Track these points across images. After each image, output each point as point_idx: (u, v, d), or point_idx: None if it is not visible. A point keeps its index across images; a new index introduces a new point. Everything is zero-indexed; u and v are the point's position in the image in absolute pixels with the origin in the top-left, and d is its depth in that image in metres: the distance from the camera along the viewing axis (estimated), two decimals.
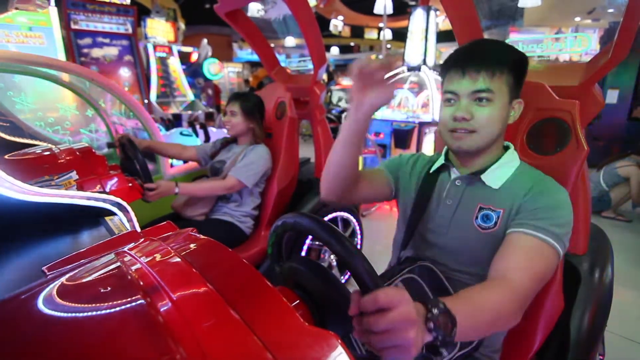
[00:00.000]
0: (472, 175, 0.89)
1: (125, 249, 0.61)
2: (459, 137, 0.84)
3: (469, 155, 0.89)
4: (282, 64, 2.26)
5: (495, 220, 0.84)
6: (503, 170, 0.87)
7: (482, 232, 0.85)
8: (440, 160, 0.97)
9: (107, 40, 5.46)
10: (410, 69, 3.96)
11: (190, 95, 6.62)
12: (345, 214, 2.10)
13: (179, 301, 0.44)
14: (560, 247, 0.76)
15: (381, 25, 8.09)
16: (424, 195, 0.96)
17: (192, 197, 1.75)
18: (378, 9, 7.47)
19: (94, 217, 1.03)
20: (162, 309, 0.43)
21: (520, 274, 0.71)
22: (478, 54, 0.83)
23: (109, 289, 0.51)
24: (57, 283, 0.53)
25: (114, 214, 1.05)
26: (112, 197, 1.06)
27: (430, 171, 0.98)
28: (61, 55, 4.41)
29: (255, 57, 11.44)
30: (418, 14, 3.89)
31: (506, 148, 0.92)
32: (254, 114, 1.82)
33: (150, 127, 2.24)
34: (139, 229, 0.99)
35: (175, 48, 6.65)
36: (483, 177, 0.87)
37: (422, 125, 3.62)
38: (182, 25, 7.32)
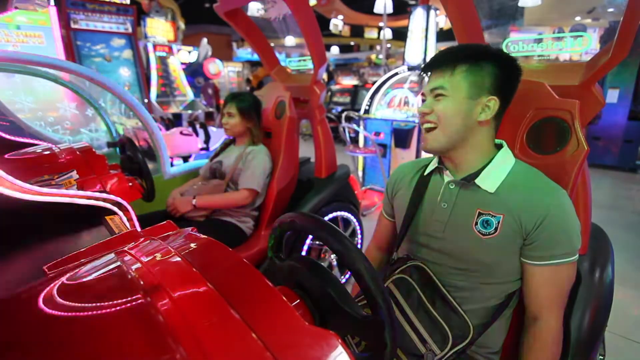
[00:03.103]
0: (465, 180, 0.89)
1: (126, 249, 0.61)
2: (425, 139, 0.90)
3: (444, 156, 0.93)
4: (282, 63, 2.25)
5: (495, 225, 0.84)
6: (497, 172, 0.88)
7: (482, 237, 0.85)
8: (435, 163, 0.98)
9: (106, 41, 5.45)
10: (410, 68, 3.96)
11: (190, 95, 6.62)
12: (346, 214, 2.10)
13: (179, 301, 0.44)
14: (578, 253, 0.83)
15: (381, 24, 8.09)
16: (417, 197, 0.98)
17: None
18: (378, 8, 7.48)
19: (94, 216, 1.03)
20: (162, 309, 0.43)
21: (555, 311, 0.84)
22: (437, 57, 0.90)
23: (110, 288, 0.51)
24: (58, 282, 0.53)
25: (114, 213, 1.05)
26: (112, 197, 1.06)
27: (425, 173, 0.99)
28: (60, 55, 4.41)
29: (255, 57, 11.45)
30: (418, 13, 3.89)
31: (499, 147, 0.92)
32: (250, 114, 1.83)
33: (150, 127, 2.24)
34: (139, 229, 0.99)
35: (175, 47, 6.65)
36: (477, 181, 0.88)
37: None
38: (181, 25, 7.32)
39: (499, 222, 0.84)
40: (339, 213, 2.06)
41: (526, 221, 0.82)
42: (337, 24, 12.14)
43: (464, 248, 0.88)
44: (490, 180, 0.87)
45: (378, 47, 15.08)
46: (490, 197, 0.86)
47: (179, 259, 0.53)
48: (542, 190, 0.84)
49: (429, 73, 0.91)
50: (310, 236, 1.89)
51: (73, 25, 5.10)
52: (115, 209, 1.05)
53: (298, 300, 0.59)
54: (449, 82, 0.85)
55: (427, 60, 0.94)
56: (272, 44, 2.19)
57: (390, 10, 7.31)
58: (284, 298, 0.45)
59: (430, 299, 0.88)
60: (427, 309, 0.86)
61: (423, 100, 0.92)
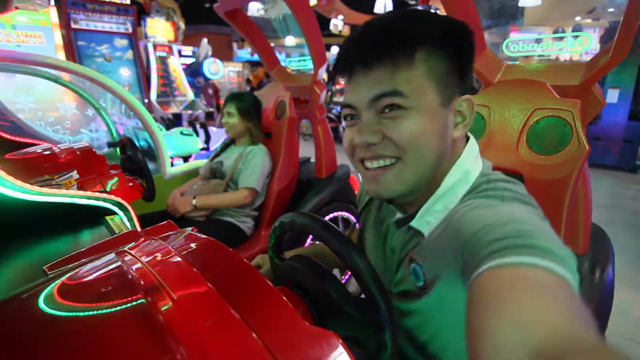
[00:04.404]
0: (401, 221, 0.64)
1: (126, 249, 0.61)
2: (375, 178, 0.56)
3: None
4: (282, 63, 2.25)
5: (422, 277, 0.57)
6: (440, 205, 0.57)
7: (421, 294, 0.58)
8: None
9: (106, 41, 5.46)
10: None
11: (190, 95, 6.62)
12: (346, 214, 2.10)
13: (180, 301, 0.44)
14: (565, 261, 0.38)
15: None
16: (364, 223, 0.79)
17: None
18: (378, 8, 7.49)
19: (94, 216, 1.03)
20: (162, 309, 0.43)
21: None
22: (367, 39, 0.52)
23: (110, 288, 0.51)
24: (58, 282, 0.53)
25: (114, 213, 1.05)
26: (112, 197, 1.06)
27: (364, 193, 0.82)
28: (60, 55, 4.42)
29: (255, 57, 11.46)
30: None
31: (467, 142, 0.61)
32: (250, 114, 1.83)
33: (150, 127, 2.24)
34: (139, 229, 0.99)
35: (175, 47, 6.66)
36: (413, 223, 0.60)
37: None
38: (182, 25, 7.33)
39: (423, 273, 0.57)
40: (339, 213, 2.06)
41: (451, 252, 0.49)
42: (337, 24, 12.13)
43: (414, 310, 0.61)
44: (427, 218, 0.58)
45: None
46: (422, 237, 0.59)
47: (179, 259, 0.53)
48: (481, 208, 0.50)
49: (354, 68, 0.53)
50: (311, 236, 1.89)
51: (73, 25, 5.11)
52: (115, 209, 1.05)
53: (298, 300, 0.59)
54: (409, 80, 0.51)
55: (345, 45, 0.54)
56: (272, 44, 2.19)
57: (390, 10, 7.32)
58: (284, 298, 0.45)
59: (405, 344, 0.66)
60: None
61: (347, 117, 0.58)
